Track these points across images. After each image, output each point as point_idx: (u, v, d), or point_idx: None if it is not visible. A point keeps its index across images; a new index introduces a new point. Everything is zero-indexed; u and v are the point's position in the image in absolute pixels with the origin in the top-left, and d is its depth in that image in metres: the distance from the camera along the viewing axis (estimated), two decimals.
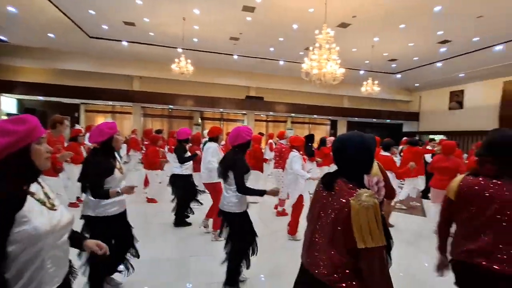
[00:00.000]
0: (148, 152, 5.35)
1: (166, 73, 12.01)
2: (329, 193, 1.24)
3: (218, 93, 15.01)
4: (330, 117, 17.71)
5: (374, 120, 17.80)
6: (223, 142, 5.03)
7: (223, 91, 15.22)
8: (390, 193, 2.42)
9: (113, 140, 2.30)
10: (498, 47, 10.19)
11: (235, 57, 12.72)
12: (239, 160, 2.49)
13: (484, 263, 1.41)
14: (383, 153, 4.49)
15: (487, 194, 1.46)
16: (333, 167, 5.54)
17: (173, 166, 4.46)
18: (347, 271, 1.15)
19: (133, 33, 10.36)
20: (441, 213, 1.76)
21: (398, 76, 15.02)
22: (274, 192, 2.49)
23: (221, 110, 15.52)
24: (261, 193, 2.46)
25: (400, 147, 8.74)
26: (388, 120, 18.07)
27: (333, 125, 18.29)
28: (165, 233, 4.10)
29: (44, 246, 1.04)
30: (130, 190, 2.17)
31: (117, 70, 13.68)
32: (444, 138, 11.50)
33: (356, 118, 17.50)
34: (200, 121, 16.18)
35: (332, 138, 8.95)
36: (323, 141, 7.04)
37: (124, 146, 9.16)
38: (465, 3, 7.36)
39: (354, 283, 1.14)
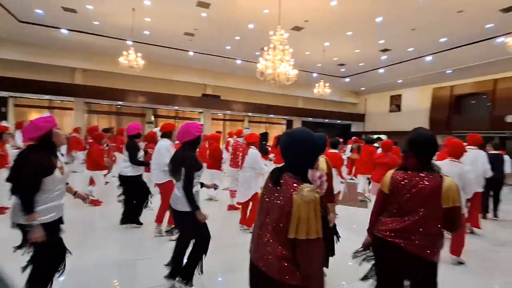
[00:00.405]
0: (91, 151, 4.86)
1: (114, 66, 11.14)
2: (276, 188, 1.26)
3: (174, 90, 14.44)
4: (285, 117, 18.29)
5: (326, 120, 18.91)
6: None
7: (178, 88, 14.69)
8: (330, 192, 2.56)
9: (53, 135, 2.01)
10: (428, 58, 11.58)
11: (191, 53, 12.36)
12: (188, 158, 2.41)
13: (401, 243, 1.63)
14: (331, 150, 4.78)
15: (411, 186, 1.68)
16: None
17: (122, 166, 4.12)
18: (291, 263, 1.19)
19: (74, 20, 9.38)
20: (375, 204, 1.93)
21: (347, 79, 16.13)
22: (203, 217, 2.44)
23: (176, 108, 14.97)
24: (194, 208, 2.37)
25: (349, 145, 9.43)
26: (338, 121, 19.35)
27: (289, 124, 18.92)
28: (111, 235, 3.83)
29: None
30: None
31: (56, 60, 12.25)
32: (385, 137, 12.71)
33: (310, 118, 18.36)
34: (153, 118, 15.38)
35: None
36: (279, 139, 7.18)
37: (64, 146, 8.28)
38: (401, 16, 8.21)
39: (297, 274, 1.18)
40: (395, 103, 17.45)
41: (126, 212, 4.09)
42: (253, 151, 4.12)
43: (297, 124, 18.47)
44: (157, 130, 5.18)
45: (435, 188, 1.61)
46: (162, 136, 3.75)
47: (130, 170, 3.99)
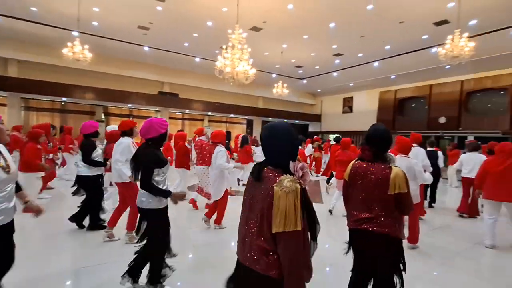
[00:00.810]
0: (23, 150, 4.25)
1: (57, 59, 10.10)
2: (258, 183, 1.25)
3: (127, 86, 13.58)
4: (246, 117, 18.40)
5: (285, 120, 19.44)
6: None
7: (133, 85, 13.86)
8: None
9: None
10: (376, 63, 12.61)
11: (146, 48, 11.75)
12: (148, 154, 2.31)
13: (366, 227, 1.86)
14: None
15: (367, 174, 1.91)
16: (250, 166, 5.86)
17: (78, 166, 3.83)
18: (275, 257, 1.17)
19: (6, 4, 8.28)
20: (343, 193, 2.15)
21: (304, 81, 16.80)
22: (180, 196, 2.41)
23: (130, 105, 14.10)
24: (166, 194, 2.32)
25: (309, 144, 9.82)
26: (297, 121, 20.04)
27: (249, 124, 19.07)
28: (69, 241, 3.53)
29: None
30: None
31: None
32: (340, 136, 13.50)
33: (270, 118, 18.71)
34: (103, 117, 14.28)
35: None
36: (245, 139, 7.29)
37: None
38: (351, 23, 8.80)
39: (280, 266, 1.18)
40: (348, 105, 18.66)
41: (80, 214, 3.85)
42: (219, 149, 4.09)
43: (257, 123, 18.70)
44: (113, 128, 4.86)
45: (384, 177, 1.82)
46: (122, 134, 3.51)
47: (85, 170, 3.76)
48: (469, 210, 5.44)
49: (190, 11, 8.30)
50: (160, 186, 2.34)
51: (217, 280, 1.74)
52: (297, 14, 8.30)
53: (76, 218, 3.87)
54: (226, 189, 4.11)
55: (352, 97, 18.37)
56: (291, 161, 1.22)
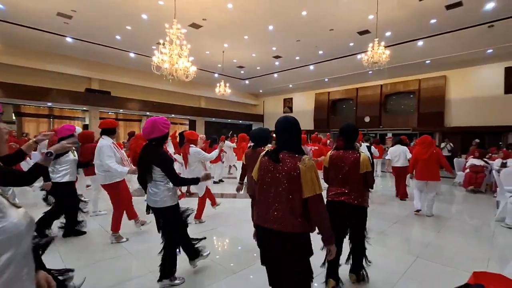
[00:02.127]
0: None
1: None
2: (276, 164, 1.61)
3: (46, 82, 11.78)
4: (188, 117, 17.78)
5: (229, 120, 19.44)
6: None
7: (53, 81, 12.08)
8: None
9: None
10: (311, 67, 13.56)
11: (69, 39, 10.37)
12: (164, 156, 2.40)
13: (343, 199, 2.43)
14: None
15: (342, 160, 2.48)
16: (219, 164, 6.14)
17: (51, 172, 3.62)
18: (300, 217, 1.57)
19: None
20: (324, 176, 2.67)
21: (247, 82, 17.08)
22: (207, 176, 2.75)
23: (50, 104, 12.26)
24: (195, 181, 2.61)
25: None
26: (240, 121, 20.23)
27: (192, 124, 18.49)
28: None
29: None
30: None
31: None
32: None
33: (213, 118, 18.49)
34: (14, 117, 12.11)
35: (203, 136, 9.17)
36: (214, 140, 7.44)
37: None
38: (288, 28, 9.28)
39: (305, 224, 1.58)
40: (288, 105, 19.66)
41: (44, 220, 3.59)
42: (194, 149, 4.21)
43: (200, 124, 18.25)
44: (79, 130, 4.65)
45: (356, 160, 2.41)
46: (103, 133, 3.51)
47: (59, 176, 3.57)
48: (400, 193, 6.32)
49: (121, 1, 7.62)
50: (166, 184, 2.46)
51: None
52: (237, 14, 8.37)
53: (72, 227, 3.73)
54: (207, 186, 4.34)
55: (292, 98, 19.42)
56: (302, 146, 1.64)
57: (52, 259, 2.93)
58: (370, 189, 2.58)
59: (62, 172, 3.59)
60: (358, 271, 2.63)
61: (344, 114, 16.87)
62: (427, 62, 11.83)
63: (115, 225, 3.56)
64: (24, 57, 11.13)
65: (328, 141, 8.58)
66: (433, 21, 8.58)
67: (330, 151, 2.62)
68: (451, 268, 3.01)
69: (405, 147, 6.27)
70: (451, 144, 11.71)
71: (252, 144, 3.19)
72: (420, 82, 13.50)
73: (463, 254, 3.40)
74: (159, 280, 2.48)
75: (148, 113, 15.42)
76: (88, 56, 12.42)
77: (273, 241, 1.62)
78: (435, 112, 12.95)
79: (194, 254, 2.73)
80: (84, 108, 13.41)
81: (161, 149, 2.42)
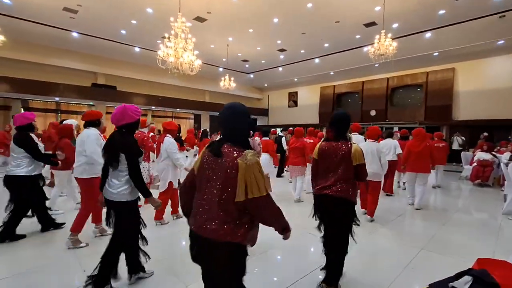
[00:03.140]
0: None
1: None
2: (217, 158, 1.36)
3: (53, 77, 11.92)
4: (193, 111, 17.85)
5: None
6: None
7: (60, 76, 12.22)
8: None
9: None
10: (316, 60, 13.43)
11: (75, 34, 10.45)
12: (130, 143, 2.23)
13: (327, 192, 2.22)
14: (264, 138, 5.63)
15: (331, 151, 2.27)
16: None
17: (11, 164, 3.29)
18: (232, 225, 1.32)
19: None
20: (312, 170, 2.50)
21: (251, 76, 17.01)
22: (156, 204, 2.39)
23: (57, 99, 12.42)
24: (147, 194, 2.29)
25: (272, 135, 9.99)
26: None
27: (197, 118, 18.56)
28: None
29: None
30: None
31: None
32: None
33: (218, 113, 18.47)
34: (23, 112, 12.28)
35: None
36: (205, 133, 7.44)
37: None
38: (293, 20, 9.19)
39: (245, 227, 1.34)
40: (293, 99, 19.55)
41: (7, 224, 3.25)
42: (169, 139, 3.94)
43: (204, 118, 18.32)
44: (72, 122, 4.46)
45: (347, 151, 2.20)
46: (87, 125, 3.21)
47: (24, 170, 3.25)
48: (387, 188, 6.07)
49: None
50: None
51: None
52: (241, 7, 8.31)
53: (7, 233, 3.23)
54: (170, 181, 3.94)
55: (296, 92, 19.30)
56: (249, 139, 1.39)
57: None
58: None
59: (22, 165, 3.25)
60: (334, 282, 2.26)
61: (349, 108, 16.71)
62: (435, 54, 11.61)
63: (77, 225, 3.10)
64: (31, 52, 11.26)
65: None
66: (441, 12, 8.39)
67: (320, 142, 2.44)
68: (456, 260, 3.02)
69: (395, 141, 6.08)
70: (463, 138, 11.54)
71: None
72: (428, 75, 13.27)
73: (468, 247, 3.39)
74: (129, 273, 2.38)
75: (153, 107, 15.53)
76: (94, 51, 12.50)
77: (203, 250, 1.37)
78: (442, 105, 12.75)
79: (135, 267, 2.39)
80: (91, 103, 13.55)
81: (131, 137, 2.28)
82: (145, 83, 14.98)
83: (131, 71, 14.18)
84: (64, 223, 3.70)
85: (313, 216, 2.40)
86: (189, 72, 7.18)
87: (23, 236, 3.35)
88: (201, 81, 16.79)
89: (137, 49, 12.11)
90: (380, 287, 2.44)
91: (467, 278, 1.18)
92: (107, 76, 13.75)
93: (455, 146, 11.64)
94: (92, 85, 12.97)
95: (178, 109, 16.80)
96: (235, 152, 1.32)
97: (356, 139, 5.50)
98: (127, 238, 2.29)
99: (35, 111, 12.77)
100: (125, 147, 2.19)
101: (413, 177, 5.14)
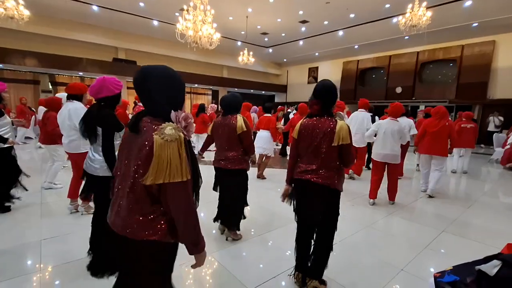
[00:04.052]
0: None
1: None
2: (135, 135, 1.10)
3: (76, 52, 12.18)
4: (211, 87, 17.80)
5: (251, 91, 19.21)
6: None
7: (83, 50, 12.45)
8: (248, 145, 2.71)
9: None
10: (340, 32, 12.68)
11: (95, 8, 10.43)
12: (106, 116, 2.09)
13: (309, 177, 1.93)
14: (265, 114, 5.37)
15: (314, 129, 1.92)
16: (204, 136, 5.56)
17: None
18: (149, 217, 1.08)
19: None
20: (290, 152, 2.15)
21: (270, 50, 16.47)
22: None
23: (81, 73, 12.77)
24: (111, 164, 2.14)
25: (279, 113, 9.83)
26: (263, 92, 19.92)
27: (215, 94, 18.53)
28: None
29: None
30: None
31: None
32: None
33: (236, 89, 18.35)
34: (50, 86, 12.81)
35: (214, 105, 9.08)
36: (202, 108, 7.00)
37: None
38: None
39: (159, 227, 1.09)
40: (313, 75, 18.88)
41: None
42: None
43: (223, 94, 18.23)
44: (62, 96, 4.28)
45: (330, 129, 1.86)
46: (70, 98, 3.09)
47: None
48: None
49: None
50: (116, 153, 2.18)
51: None
52: None
53: None
54: None
55: (317, 67, 18.57)
56: (172, 111, 1.09)
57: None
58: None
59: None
60: (319, 275, 2.04)
61: (373, 85, 15.94)
62: (474, 25, 10.56)
63: (74, 191, 3.14)
64: (55, 27, 11.44)
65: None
66: None
67: (302, 119, 2.08)
68: (478, 243, 2.93)
69: (411, 120, 5.63)
70: (500, 118, 10.69)
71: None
72: (463, 49, 12.20)
73: (492, 231, 3.27)
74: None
75: None
76: (114, 25, 12.50)
77: (119, 249, 1.16)
78: (477, 83, 11.80)
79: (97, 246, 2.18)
80: None
81: (108, 110, 2.14)
82: (164, 58, 14.96)
83: (150, 45, 14.16)
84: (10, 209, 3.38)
85: (290, 204, 2.13)
86: (208, 46, 7.04)
87: (7, 209, 3.31)
88: (219, 56, 16.51)
89: (155, 23, 11.96)
90: (396, 265, 2.42)
91: (496, 262, 1.13)
92: (127, 51, 13.84)
93: (490, 127, 10.87)
94: (113, 60, 13.14)
95: (196, 85, 16.78)
96: (154, 126, 1.06)
97: (362, 116, 5.20)
98: (103, 213, 2.21)
99: (61, 85, 13.26)
100: (100, 120, 2.10)
101: (428, 160, 4.64)
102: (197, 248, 1.12)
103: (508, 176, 6.36)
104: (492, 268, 1.11)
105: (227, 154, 2.68)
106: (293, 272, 2.13)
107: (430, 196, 4.49)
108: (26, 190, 3.52)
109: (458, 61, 12.32)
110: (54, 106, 3.96)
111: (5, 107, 3.74)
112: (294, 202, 2.09)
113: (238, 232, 2.84)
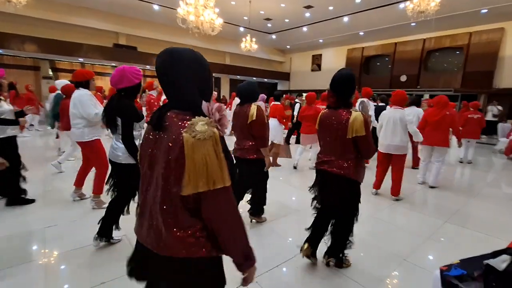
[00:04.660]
0: None
1: None
2: (159, 133, 0.91)
3: (76, 37, 11.95)
4: (213, 74, 17.51)
5: (254, 78, 18.96)
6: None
7: (83, 36, 12.22)
8: (261, 136, 2.64)
9: None
10: (346, 18, 12.36)
11: None
12: (125, 106, 2.17)
13: (325, 168, 2.01)
14: (274, 102, 5.30)
15: (331, 120, 1.96)
16: None
17: None
18: (188, 232, 0.89)
19: None
20: (318, 141, 2.21)
21: (274, 36, 16.13)
22: None
23: (82, 60, 12.59)
24: (133, 151, 2.21)
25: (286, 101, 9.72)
26: (266, 79, 19.67)
27: (217, 82, 18.33)
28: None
29: None
30: None
31: None
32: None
33: (238, 76, 18.12)
34: (51, 72, 12.68)
35: (214, 92, 9.00)
36: None
37: None
38: None
39: (203, 242, 0.90)
40: (316, 63, 18.56)
41: (8, 190, 3.19)
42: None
43: (224, 81, 18.04)
44: (64, 82, 4.41)
45: (344, 121, 1.88)
46: (77, 85, 3.06)
47: None
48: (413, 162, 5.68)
49: None
50: (137, 142, 2.25)
51: None
52: None
53: (16, 195, 3.18)
54: None
55: (321, 55, 18.24)
56: (204, 102, 0.94)
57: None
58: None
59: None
60: (336, 254, 2.17)
61: (377, 73, 15.69)
62: (483, 11, 10.24)
63: (98, 186, 3.10)
64: (53, 11, 11.18)
65: None
66: None
67: (323, 110, 2.12)
68: (481, 234, 2.94)
69: (420, 109, 5.45)
70: (499, 107, 10.54)
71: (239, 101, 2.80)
72: (471, 36, 11.90)
73: (495, 222, 3.27)
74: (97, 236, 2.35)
75: None
76: (114, 10, 12.23)
77: (150, 266, 1.00)
78: (484, 71, 11.57)
79: (106, 231, 2.37)
80: (113, 64, 13.64)
81: (128, 100, 2.19)
82: (166, 43, 14.68)
83: (151, 31, 13.90)
84: (34, 200, 3.33)
85: (309, 190, 2.24)
86: (210, 32, 6.90)
87: (32, 201, 3.28)
88: (222, 42, 16.22)
89: (156, 7, 11.68)
90: (399, 255, 2.44)
91: (505, 257, 1.11)
92: (128, 37, 13.60)
93: (488, 117, 10.75)
94: (113, 45, 12.93)
95: None
96: (180, 122, 0.87)
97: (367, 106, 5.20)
98: (123, 200, 2.33)
99: (62, 72, 13.13)
100: (119, 111, 2.17)
101: (429, 151, 4.50)
102: (249, 262, 0.98)
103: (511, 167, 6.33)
104: (501, 263, 1.10)
105: (243, 144, 2.70)
106: (303, 244, 2.20)
107: (431, 187, 4.47)
108: (25, 182, 3.34)
109: (465, 49, 12.04)
110: (70, 93, 3.82)
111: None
112: (316, 189, 2.19)
113: (262, 216, 3.05)
